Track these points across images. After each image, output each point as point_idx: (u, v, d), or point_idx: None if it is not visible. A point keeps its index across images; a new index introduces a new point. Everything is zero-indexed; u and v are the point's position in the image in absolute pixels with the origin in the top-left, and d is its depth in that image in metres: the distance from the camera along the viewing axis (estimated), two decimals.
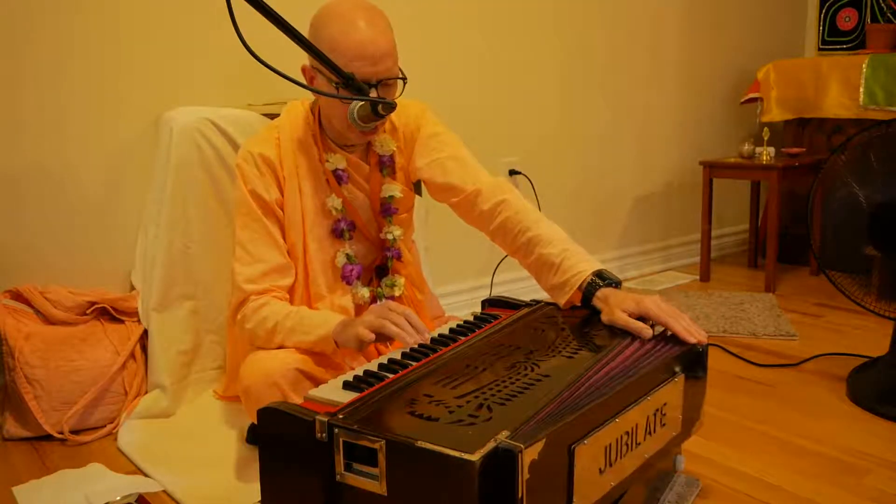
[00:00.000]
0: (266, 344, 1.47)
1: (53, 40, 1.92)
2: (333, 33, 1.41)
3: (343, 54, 1.39)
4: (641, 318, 1.36)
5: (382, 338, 1.33)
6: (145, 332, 1.98)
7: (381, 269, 1.70)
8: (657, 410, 1.22)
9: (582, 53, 3.06)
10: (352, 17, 1.42)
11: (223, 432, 1.82)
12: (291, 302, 1.57)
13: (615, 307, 1.36)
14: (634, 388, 1.16)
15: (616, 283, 1.42)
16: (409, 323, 1.32)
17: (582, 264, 1.43)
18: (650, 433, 1.21)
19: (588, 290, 1.41)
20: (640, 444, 1.18)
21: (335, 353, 1.44)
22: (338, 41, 1.39)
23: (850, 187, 1.94)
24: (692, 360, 1.34)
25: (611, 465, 1.10)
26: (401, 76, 1.49)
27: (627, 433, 1.14)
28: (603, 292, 1.39)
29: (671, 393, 1.26)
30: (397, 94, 1.51)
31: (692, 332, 1.34)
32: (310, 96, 1.64)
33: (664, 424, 1.25)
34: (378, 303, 1.65)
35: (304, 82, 1.50)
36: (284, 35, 1.27)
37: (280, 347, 1.45)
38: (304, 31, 1.41)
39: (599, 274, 1.42)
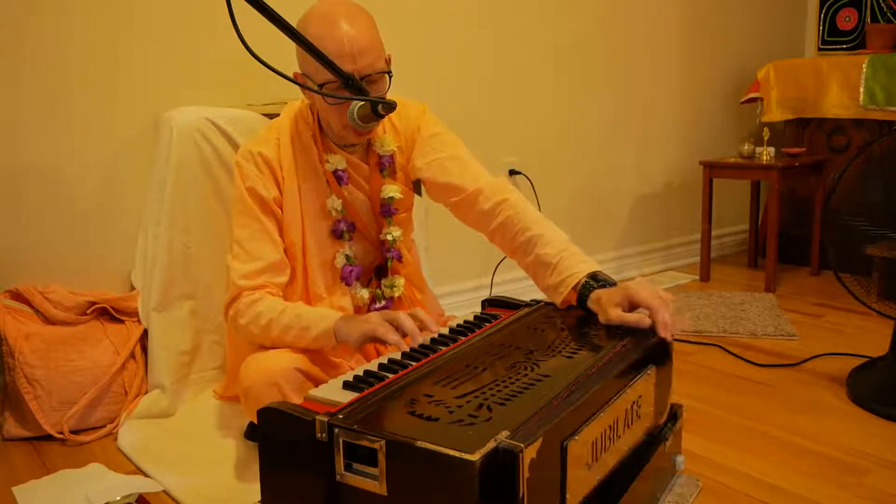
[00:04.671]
0: (261, 340, 1.46)
1: (53, 40, 1.92)
2: (314, 34, 1.40)
3: (325, 53, 1.38)
4: (634, 308, 1.36)
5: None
6: (145, 332, 1.98)
7: (381, 269, 1.70)
8: (633, 403, 1.23)
9: (582, 53, 3.06)
10: (331, 16, 1.42)
11: (223, 432, 1.82)
12: (290, 301, 1.56)
13: (607, 306, 1.36)
14: (615, 382, 1.17)
15: (611, 285, 1.42)
16: (421, 321, 1.34)
17: (578, 265, 1.43)
18: (628, 426, 1.22)
19: (582, 292, 1.41)
20: (620, 437, 1.19)
21: (334, 350, 1.44)
22: (319, 41, 1.38)
23: (862, 190, 1.93)
24: (662, 353, 1.35)
25: (596, 459, 1.11)
26: (386, 70, 1.49)
27: (610, 427, 1.15)
28: (596, 294, 1.39)
29: (645, 386, 1.28)
30: (385, 89, 1.51)
31: (668, 327, 1.34)
32: (309, 96, 1.64)
33: (639, 416, 1.27)
34: (377, 304, 1.65)
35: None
36: (284, 35, 1.27)
37: (274, 346, 1.45)
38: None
39: (594, 276, 1.42)
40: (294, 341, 1.43)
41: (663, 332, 1.33)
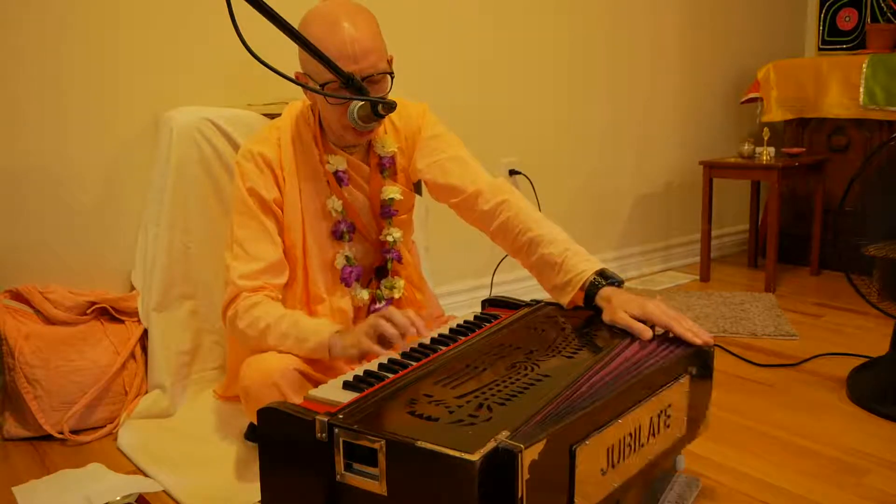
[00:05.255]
0: (257, 345, 1.46)
1: (53, 40, 1.92)
2: (316, 35, 1.39)
3: (327, 54, 1.38)
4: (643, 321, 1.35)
5: (385, 344, 1.32)
6: (145, 332, 1.98)
7: (381, 270, 1.70)
8: (662, 411, 1.21)
9: (582, 53, 3.06)
10: (333, 17, 1.42)
11: (223, 432, 1.82)
12: (289, 303, 1.56)
13: (618, 308, 1.36)
14: (638, 388, 1.16)
15: (618, 283, 1.42)
16: (410, 321, 1.32)
17: (584, 264, 1.43)
18: (654, 434, 1.20)
19: (590, 290, 1.41)
20: (643, 445, 1.17)
21: (330, 362, 1.43)
22: (321, 42, 1.38)
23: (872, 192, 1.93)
24: (698, 361, 1.33)
25: (613, 466, 1.10)
26: (388, 71, 1.48)
27: (631, 434, 1.13)
28: (606, 291, 1.39)
29: (676, 394, 1.26)
30: (387, 90, 1.50)
31: (696, 333, 1.33)
32: (310, 97, 1.64)
33: (668, 426, 1.25)
34: (377, 305, 1.65)
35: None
36: (284, 35, 1.27)
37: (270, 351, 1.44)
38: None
39: (602, 273, 1.42)
40: (289, 351, 1.42)
41: (695, 340, 1.32)
